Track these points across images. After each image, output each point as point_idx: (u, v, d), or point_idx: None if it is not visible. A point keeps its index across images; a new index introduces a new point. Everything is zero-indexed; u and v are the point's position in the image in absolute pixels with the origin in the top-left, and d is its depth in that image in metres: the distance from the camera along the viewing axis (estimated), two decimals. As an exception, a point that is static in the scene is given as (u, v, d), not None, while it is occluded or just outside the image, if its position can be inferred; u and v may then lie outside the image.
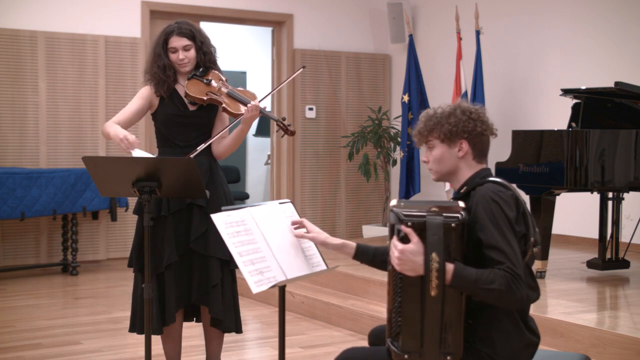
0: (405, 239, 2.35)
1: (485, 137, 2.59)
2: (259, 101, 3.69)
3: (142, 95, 3.78)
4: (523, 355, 2.50)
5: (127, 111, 3.77)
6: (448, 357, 2.37)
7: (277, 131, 3.81)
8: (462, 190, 2.57)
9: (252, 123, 3.74)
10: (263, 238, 2.71)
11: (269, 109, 3.72)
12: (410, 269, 2.34)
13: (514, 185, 2.65)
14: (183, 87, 3.76)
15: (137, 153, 3.52)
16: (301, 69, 4.15)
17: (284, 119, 3.73)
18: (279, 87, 4.18)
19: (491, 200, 2.42)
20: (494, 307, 2.45)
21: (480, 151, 2.59)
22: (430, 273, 2.31)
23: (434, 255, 2.31)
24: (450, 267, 2.33)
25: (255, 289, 2.61)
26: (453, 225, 2.34)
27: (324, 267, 2.90)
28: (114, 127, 3.65)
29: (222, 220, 2.67)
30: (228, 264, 3.75)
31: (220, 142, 3.80)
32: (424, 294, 2.34)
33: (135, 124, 3.84)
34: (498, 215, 2.40)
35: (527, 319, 2.54)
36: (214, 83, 3.75)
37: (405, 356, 2.39)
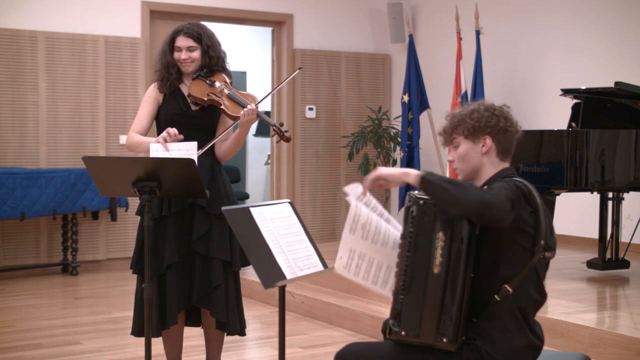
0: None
1: (510, 133, 2.62)
2: (256, 104, 3.68)
3: (149, 97, 3.77)
4: (523, 356, 2.49)
5: (141, 118, 3.75)
6: (444, 339, 2.40)
7: (272, 136, 3.79)
8: None
9: (250, 127, 3.74)
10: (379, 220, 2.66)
11: (268, 109, 3.71)
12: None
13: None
14: (187, 87, 3.77)
15: (174, 148, 3.54)
16: (297, 71, 4.18)
17: (281, 125, 3.70)
18: (275, 90, 4.18)
19: (508, 180, 2.49)
20: (496, 306, 2.46)
21: (504, 148, 2.62)
22: (435, 250, 2.38)
23: (440, 234, 2.39)
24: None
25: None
26: None
27: None
28: (145, 138, 3.68)
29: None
30: (230, 266, 3.73)
31: (222, 144, 3.79)
32: (428, 273, 2.40)
33: (150, 127, 3.82)
34: (509, 187, 2.44)
35: (530, 321, 2.53)
36: (217, 84, 3.74)
37: (403, 333, 2.43)
